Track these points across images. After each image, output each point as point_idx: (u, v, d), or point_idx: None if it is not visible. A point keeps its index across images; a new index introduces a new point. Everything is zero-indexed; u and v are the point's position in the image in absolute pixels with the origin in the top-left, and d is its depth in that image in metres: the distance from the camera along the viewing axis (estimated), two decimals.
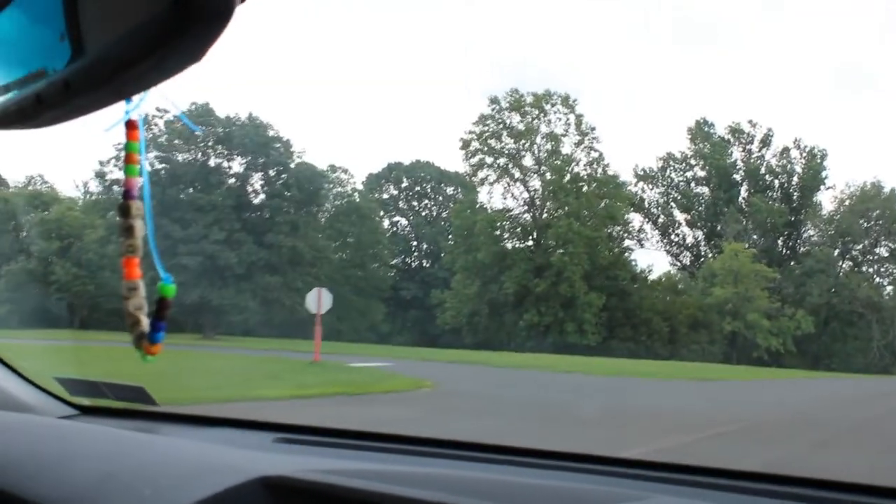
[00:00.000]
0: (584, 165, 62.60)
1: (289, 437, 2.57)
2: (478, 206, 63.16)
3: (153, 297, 1.09)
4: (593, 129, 62.33)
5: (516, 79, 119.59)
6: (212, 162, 49.32)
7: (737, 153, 74.91)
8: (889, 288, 71.55)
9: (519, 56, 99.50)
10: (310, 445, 2.52)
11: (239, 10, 0.67)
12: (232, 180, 50.41)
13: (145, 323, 1.11)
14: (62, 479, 1.70)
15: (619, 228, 64.81)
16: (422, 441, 2.54)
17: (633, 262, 66.36)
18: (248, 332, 49.71)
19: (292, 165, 52.67)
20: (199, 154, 47.57)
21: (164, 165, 45.04)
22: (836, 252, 72.08)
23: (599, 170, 62.73)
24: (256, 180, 52.13)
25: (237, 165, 51.09)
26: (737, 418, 16.60)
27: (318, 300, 28.06)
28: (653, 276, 70.70)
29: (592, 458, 2.27)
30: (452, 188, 75.36)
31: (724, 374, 34.56)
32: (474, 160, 63.68)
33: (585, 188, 62.11)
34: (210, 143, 47.52)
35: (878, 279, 71.19)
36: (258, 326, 49.32)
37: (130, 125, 1.11)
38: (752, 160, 74.07)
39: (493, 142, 62.83)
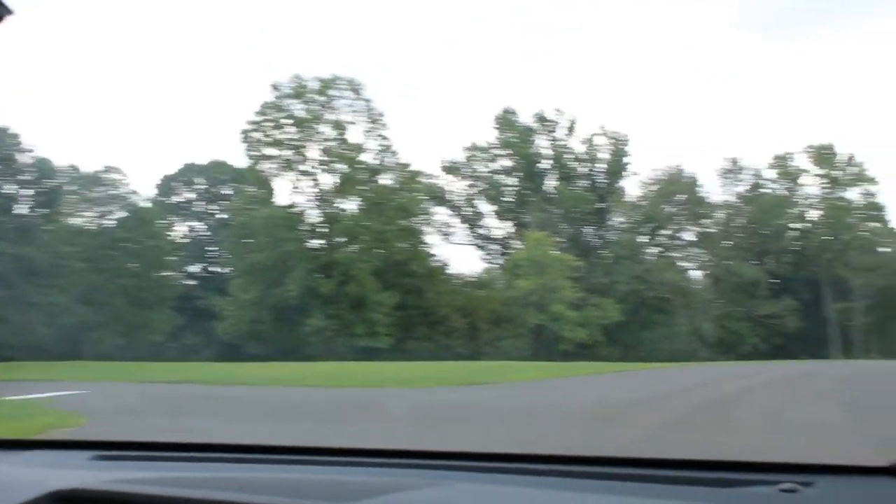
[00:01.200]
0: (375, 155, 57.70)
1: (107, 454, 2.48)
2: (261, 202, 57.22)
3: None
4: (382, 115, 57.64)
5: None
6: None
7: (543, 141, 72.12)
8: (695, 272, 70.05)
9: (315, 49, 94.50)
10: (127, 460, 2.46)
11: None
12: None
13: None
14: None
15: (417, 221, 60.10)
16: (244, 448, 2.48)
17: (435, 258, 62.02)
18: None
19: (21, 161, 45.42)
20: None
21: None
22: (645, 239, 70.12)
23: (391, 159, 57.99)
24: None
25: None
26: None
27: None
28: (466, 273, 67.25)
29: (396, 452, 2.29)
30: (253, 188, 69.31)
31: (500, 375, 29.61)
32: (256, 153, 57.75)
33: (377, 179, 57.35)
34: None
35: (684, 264, 69.51)
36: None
37: None
38: (557, 148, 71.33)
39: (275, 132, 57.08)
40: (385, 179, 57.94)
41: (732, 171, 70.44)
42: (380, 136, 57.51)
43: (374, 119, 57.55)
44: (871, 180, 73.66)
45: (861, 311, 70.26)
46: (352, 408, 18.41)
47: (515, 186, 71.62)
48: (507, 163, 71.54)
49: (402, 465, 2.20)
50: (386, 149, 57.60)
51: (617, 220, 71.61)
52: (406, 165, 58.72)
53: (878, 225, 73.67)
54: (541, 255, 56.62)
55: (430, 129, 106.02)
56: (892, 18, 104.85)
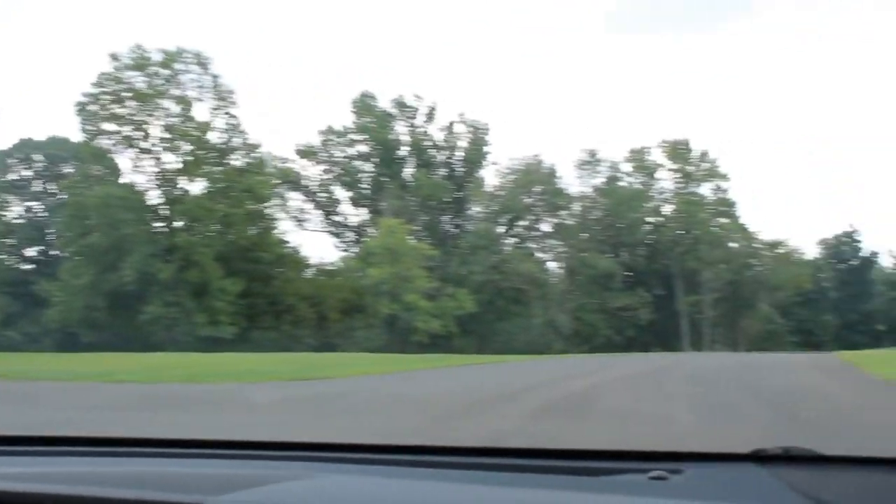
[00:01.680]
0: (222, 134, 54.61)
1: None
2: (99, 180, 53.27)
3: None
4: (231, 92, 54.60)
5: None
6: None
7: (401, 127, 70.50)
8: (551, 263, 69.84)
9: (161, 20, 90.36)
10: None
11: None
12: None
13: None
14: None
15: (267, 205, 57.32)
16: (107, 441, 2.42)
17: (286, 244, 59.42)
18: None
19: None
20: None
21: None
22: (503, 229, 69.46)
23: (239, 139, 55.04)
24: None
25: None
26: None
27: None
28: (320, 261, 65.02)
29: (255, 444, 2.29)
30: (96, 166, 64.90)
31: (340, 369, 27.31)
32: (92, 127, 53.77)
33: (224, 160, 54.33)
34: None
35: (541, 255, 69.22)
36: None
37: None
38: (416, 135, 69.78)
39: (114, 106, 53.24)
40: (234, 160, 54.94)
41: (590, 162, 70.67)
42: (228, 114, 54.53)
43: (223, 96, 54.47)
44: (723, 176, 75.31)
45: (710, 304, 71.69)
46: (154, 405, 16.21)
47: (372, 173, 69.80)
48: (364, 148, 69.65)
49: (265, 456, 2.13)
50: (234, 128, 54.63)
51: (475, 209, 70.75)
52: (256, 146, 55.98)
53: (727, 220, 75.35)
54: (395, 243, 54.95)
55: (286, 110, 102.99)
56: (744, 22, 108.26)
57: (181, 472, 1.99)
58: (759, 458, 1.81)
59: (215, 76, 54.24)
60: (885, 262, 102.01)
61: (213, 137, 54.08)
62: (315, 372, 25.03)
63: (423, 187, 65.50)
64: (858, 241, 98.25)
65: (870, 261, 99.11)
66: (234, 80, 76.37)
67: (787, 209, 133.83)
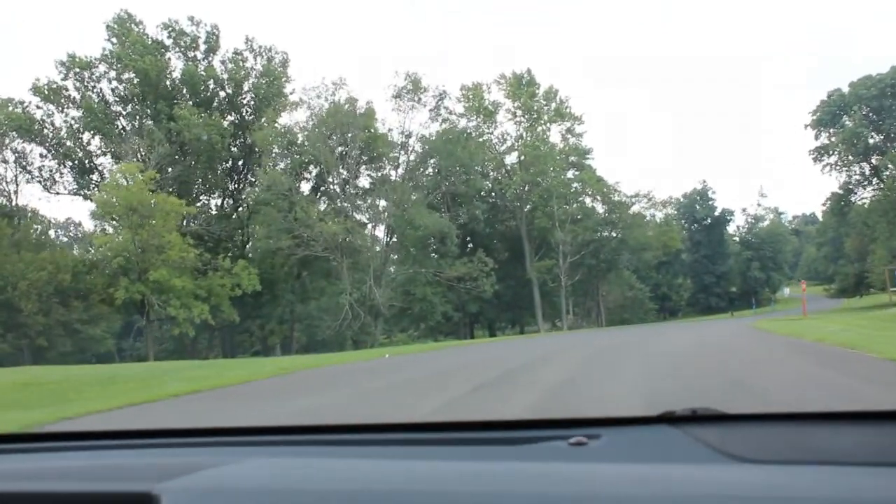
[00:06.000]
0: None
1: None
2: None
3: None
4: None
5: None
6: None
7: (174, 59, 51.32)
8: (370, 226, 52.01)
9: None
10: None
11: None
12: None
13: None
14: None
15: None
16: (42, 437, 2.20)
17: None
18: None
19: None
20: None
21: None
22: (307, 184, 51.37)
23: None
24: None
25: None
26: None
27: None
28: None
29: (196, 431, 2.12)
30: None
31: None
32: None
33: None
34: None
35: (357, 216, 51.14)
36: None
37: None
38: (192, 68, 50.66)
39: None
40: None
41: (412, 90, 52.30)
42: None
43: None
44: (577, 118, 59.19)
45: (565, 269, 55.62)
46: None
47: (136, 116, 50.31)
48: (126, 85, 49.97)
49: (206, 443, 2.01)
50: None
51: (279, 159, 51.97)
52: None
53: (582, 171, 59.48)
54: (133, 198, 35.95)
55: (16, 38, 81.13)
56: None
57: (123, 462, 1.81)
58: (669, 419, 1.82)
59: None
60: (739, 220, 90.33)
61: None
62: None
63: (192, 127, 46.32)
64: (712, 200, 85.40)
65: (723, 220, 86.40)
66: None
67: (642, 163, 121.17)
